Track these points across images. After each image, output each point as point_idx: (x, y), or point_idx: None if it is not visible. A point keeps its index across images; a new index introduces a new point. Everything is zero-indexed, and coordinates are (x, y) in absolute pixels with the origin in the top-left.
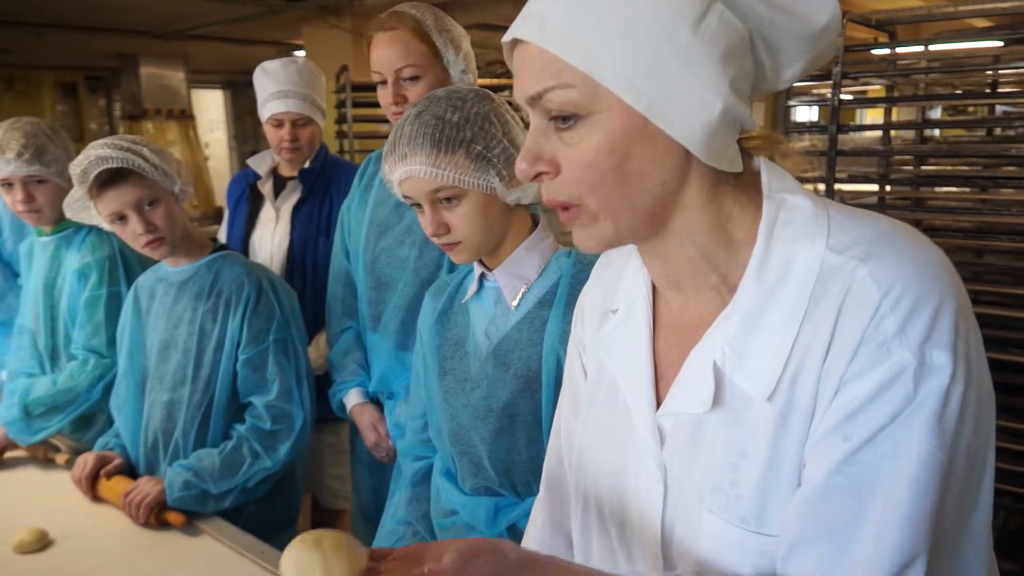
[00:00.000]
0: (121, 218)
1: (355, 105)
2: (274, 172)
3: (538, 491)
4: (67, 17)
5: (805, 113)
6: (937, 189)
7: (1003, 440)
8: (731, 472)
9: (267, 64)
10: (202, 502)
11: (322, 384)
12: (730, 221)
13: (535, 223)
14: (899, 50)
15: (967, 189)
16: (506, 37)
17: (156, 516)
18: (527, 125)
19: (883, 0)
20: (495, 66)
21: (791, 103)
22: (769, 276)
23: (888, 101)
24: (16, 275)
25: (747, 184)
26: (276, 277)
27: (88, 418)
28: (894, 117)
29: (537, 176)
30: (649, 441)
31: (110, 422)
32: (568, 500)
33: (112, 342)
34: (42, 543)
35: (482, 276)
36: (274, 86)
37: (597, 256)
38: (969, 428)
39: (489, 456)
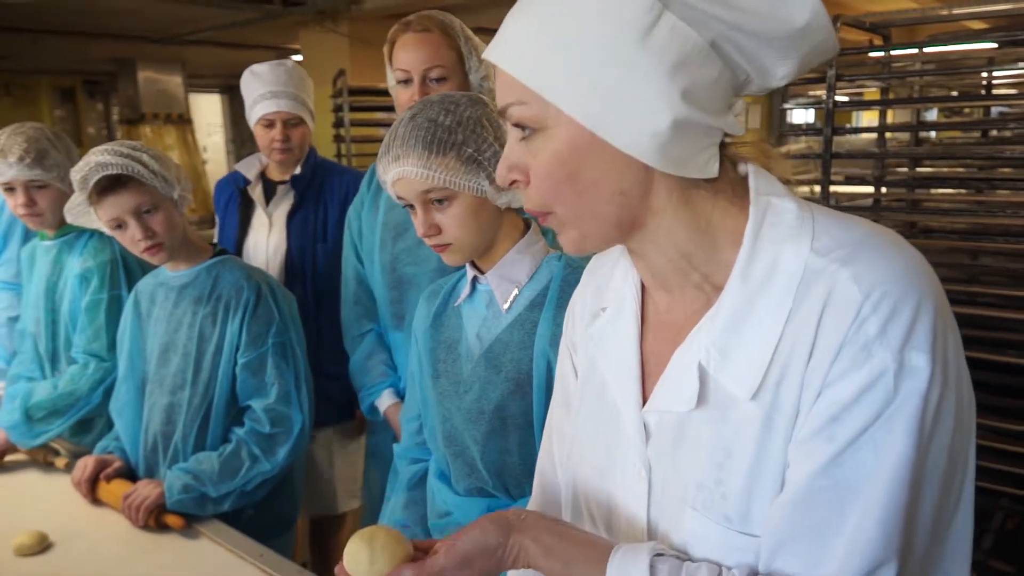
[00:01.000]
0: (120, 224)
1: (352, 109)
2: (263, 177)
3: (530, 492)
4: (63, 23)
5: (801, 115)
6: (932, 191)
7: (999, 441)
8: (716, 471)
9: (256, 67)
10: (201, 505)
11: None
12: (710, 223)
13: (527, 227)
14: (893, 52)
15: (963, 191)
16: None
17: (155, 519)
18: None
19: (877, 3)
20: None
21: (787, 106)
22: (754, 277)
23: (882, 104)
24: None
25: (733, 188)
26: (275, 281)
27: (87, 422)
28: (891, 119)
29: (513, 183)
30: (634, 437)
31: (109, 425)
32: (559, 499)
33: (113, 346)
34: (42, 545)
35: (475, 279)
36: (264, 87)
37: (587, 259)
38: (948, 429)
39: (482, 457)
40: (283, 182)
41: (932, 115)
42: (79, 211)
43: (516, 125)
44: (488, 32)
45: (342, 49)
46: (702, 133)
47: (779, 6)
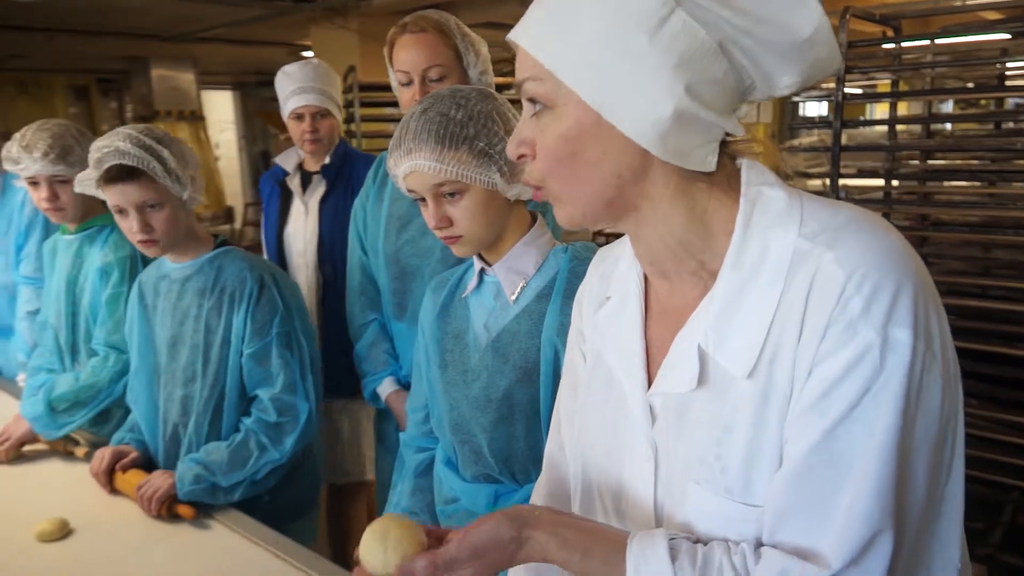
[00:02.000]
0: (121, 211)
1: (363, 105)
2: (300, 168)
3: (536, 478)
4: (75, 22)
5: (814, 108)
6: (944, 184)
7: (1009, 435)
8: (716, 446)
9: (287, 67)
10: (212, 495)
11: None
12: (706, 213)
13: (533, 220)
14: (903, 44)
15: (975, 183)
16: (507, 37)
17: (167, 509)
18: None
19: None
20: (501, 64)
21: (797, 98)
22: (746, 263)
23: (892, 96)
24: None
25: (729, 180)
26: (278, 271)
27: (106, 412)
28: (904, 111)
29: (521, 157)
30: (641, 420)
31: (127, 416)
32: (567, 483)
33: None
34: (63, 532)
35: (482, 271)
36: (293, 84)
37: (593, 251)
38: (936, 399)
39: (489, 445)
40: (317, 172)
41: (948, 107)
42: (88, 184)
43: (530, 100)
44: (497, 27)
45: (352, 45)
46: (703, 128)
47: (785, 15)
